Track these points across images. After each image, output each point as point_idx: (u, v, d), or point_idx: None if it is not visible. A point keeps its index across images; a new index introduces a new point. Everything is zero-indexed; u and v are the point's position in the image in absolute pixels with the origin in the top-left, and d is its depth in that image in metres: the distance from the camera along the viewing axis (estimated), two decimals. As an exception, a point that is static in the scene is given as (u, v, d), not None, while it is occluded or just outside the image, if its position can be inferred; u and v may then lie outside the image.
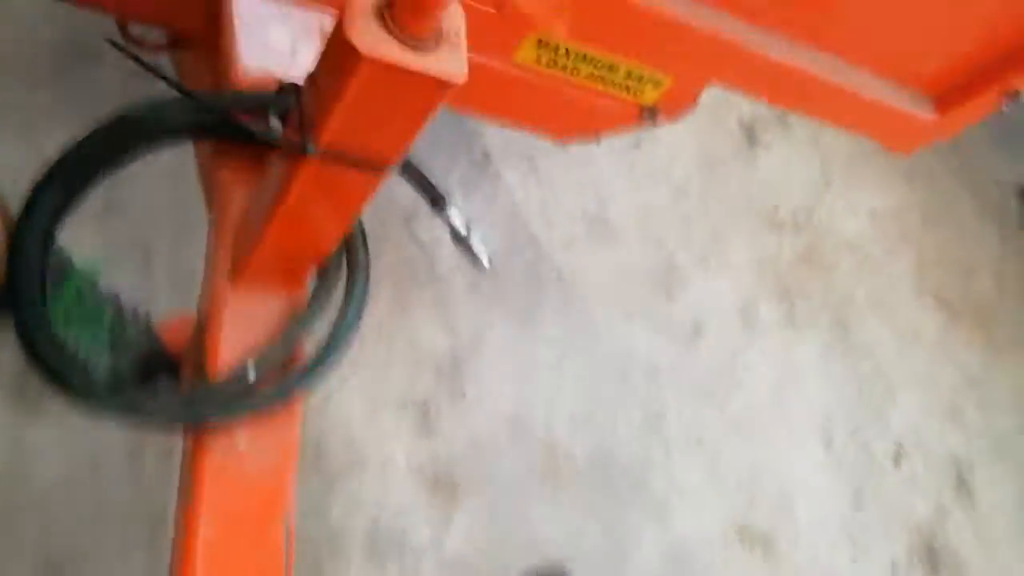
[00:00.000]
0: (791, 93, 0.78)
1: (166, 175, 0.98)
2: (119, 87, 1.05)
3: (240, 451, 0.59)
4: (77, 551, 0.90)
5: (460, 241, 0.76)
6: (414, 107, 0.44)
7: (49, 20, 1.09)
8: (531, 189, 1.36)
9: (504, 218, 1.33)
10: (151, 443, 0.96)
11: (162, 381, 0.89)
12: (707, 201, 1.57)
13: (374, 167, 0.48)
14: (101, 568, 0.91)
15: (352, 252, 0.62)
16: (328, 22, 0.66)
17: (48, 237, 0.54)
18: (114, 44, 0.66)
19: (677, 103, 0.81)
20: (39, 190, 0.53)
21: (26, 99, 1.06)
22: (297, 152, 0.47)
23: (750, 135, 1.70)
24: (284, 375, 0.60)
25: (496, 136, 1.35)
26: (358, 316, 0.61)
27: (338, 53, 0.42)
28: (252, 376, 0.58)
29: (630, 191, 1.48)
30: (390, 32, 0.41)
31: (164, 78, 0.48)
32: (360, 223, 0.62)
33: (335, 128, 0.45)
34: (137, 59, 0.48)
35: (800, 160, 1.74)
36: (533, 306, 1.29)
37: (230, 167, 0.64)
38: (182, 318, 0.95)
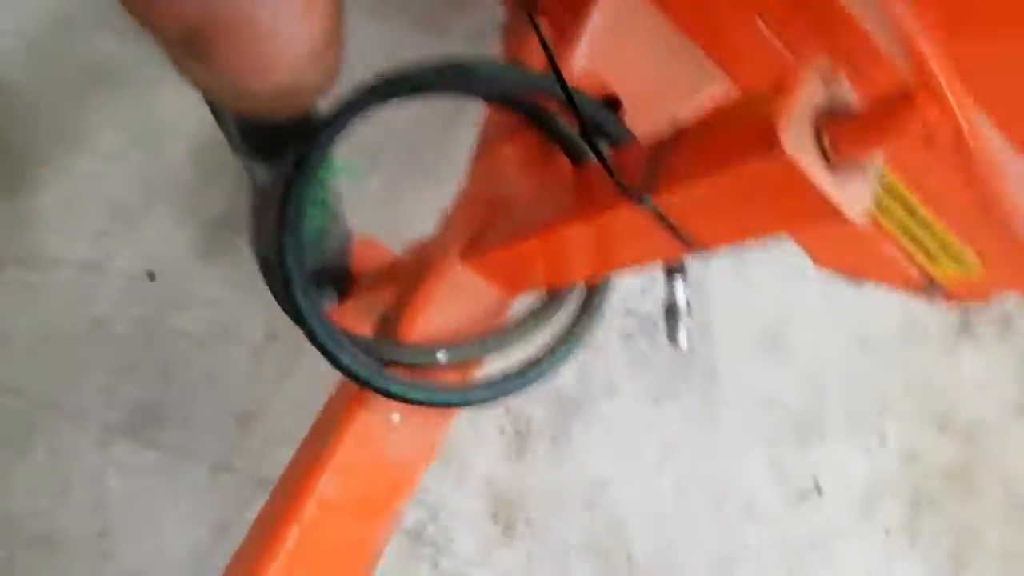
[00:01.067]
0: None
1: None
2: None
3: (392, 424, 0.55)
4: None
5: (672, 314, 0.71)
6: (788, 220, 0.38)
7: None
8: (728, 280, 1.28)
9: (692, 286, 1.25)
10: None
11: (329, 292, 0.89)
12: (889, 368, 1.44)
13: (690, 244, 0.43)
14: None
15: (591, 299, 0.57)
16: (720, 87, 0.62)
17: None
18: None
19: (967, 292, 0.72)
20: (358, 95, 0.51)
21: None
22: (625, 192, 0.42)
23: (965, 321, 1.54)
24: (464, 379, 0.56)
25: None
26: (561, 363, 0.56)
27: (746, 132, 0.36)
28: (441, 359, 0.55)
29: (817, 321, 1.38)
30: (817, 138, 0.35)
31: (538, 33, 0.45)
32: (610, 278, 0.58)
33: (685, 197, 0.40)
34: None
35: (1003, 372, 1.58)
36: (673, 388, 1.22)
37: (518, 147, 0.60)
38: (373, 244, 0.95)
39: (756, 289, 1.32)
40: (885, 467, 1.42)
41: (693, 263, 1.27)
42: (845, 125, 0.34)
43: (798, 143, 0.34)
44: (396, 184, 1.04)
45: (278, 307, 0.78)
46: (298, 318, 0.49)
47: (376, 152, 1.04)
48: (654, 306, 1.20)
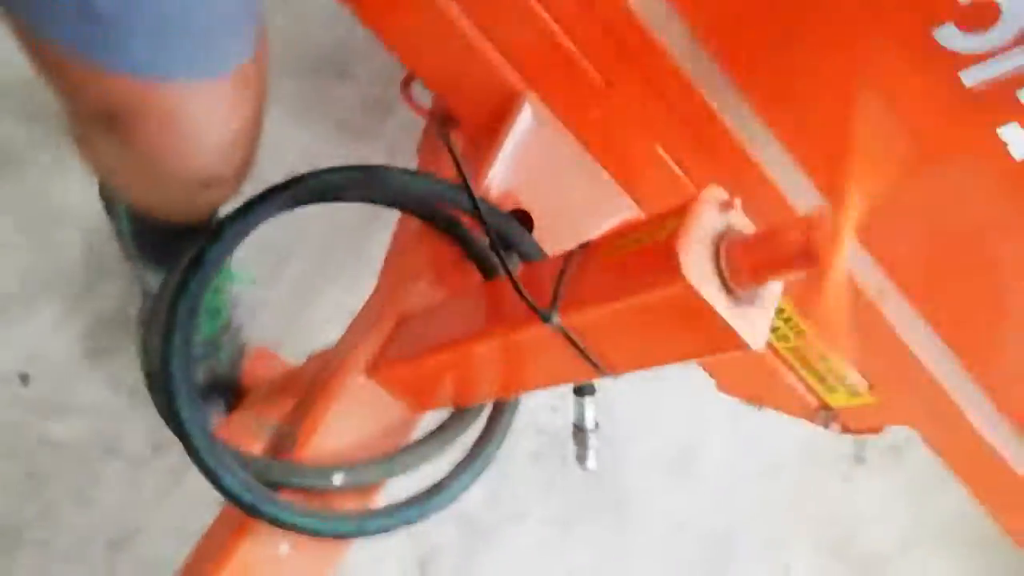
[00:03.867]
0: (984, 482, 0.70)
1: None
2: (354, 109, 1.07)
3: (280, 556, 0.51)
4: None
5: (580, 433, 0.70)
6: (690, 347, 0.38)
7: (327, 25, 1.13)
8: (641, 391, 1.29)
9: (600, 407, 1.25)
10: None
11: (217, 405, 0.84)
12: (795, 495, 1.46)
13: (599, 368, 0.43)
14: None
15: (498, 416, 0.55)
16: (625, 211, 0.64)
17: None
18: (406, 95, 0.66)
19: (862, 423, 0.74)
20: (266, 196, 0.50)
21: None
22: (532, 312, 0.42)
23: (859, 450, 1.59)
24: (362, 507, 0.53)
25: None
26: (466, 486, 0.53)
27: (649, 258, 0.37)
28: (337, 482, 0.51)
29: (727, 443, 1.39)
30: (716, 266, 0.36)
31: (451, 151, 0.46)
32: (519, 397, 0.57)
33: (592, 321, 0.40)
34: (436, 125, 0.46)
35: (898, 501, 1.62)
36: (583, 512, 1.19)
37: (429, 257, 0.60)
38: (266, 354, 0.91)
39: (665, 410, 1.33)
40: (791, 599, 1.41)
41: (602, 382, 1.28)
42: (742, 252, 0.35)
43: (697, 269, 0.35)
44: (304, 291, 1.01)
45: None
46: (178, 430, 0.45)
47: (285, 256, 1.02)
48: (564, 424, 1.18)
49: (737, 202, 0.37)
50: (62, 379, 0.86)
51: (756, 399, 0.78)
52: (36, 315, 0.87)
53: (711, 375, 0.79)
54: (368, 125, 1.12)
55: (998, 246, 0.56)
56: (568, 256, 0.43)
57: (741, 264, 0.35)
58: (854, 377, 0.69)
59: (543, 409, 1.19)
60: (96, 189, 0.78)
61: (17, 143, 0.90)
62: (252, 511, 0.46)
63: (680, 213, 0.37)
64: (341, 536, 0.49)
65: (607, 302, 0.38)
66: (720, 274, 0.36)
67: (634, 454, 1.28)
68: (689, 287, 0.34)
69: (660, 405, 1.33)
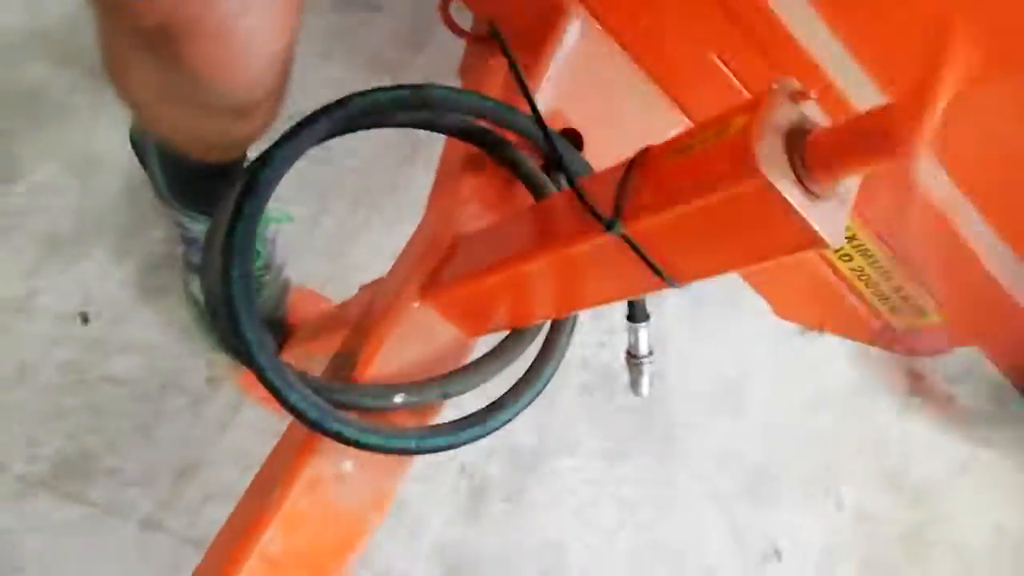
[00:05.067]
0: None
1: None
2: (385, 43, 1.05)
3: (344, 472, 0.51)
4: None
5: (634, 360, 0.69)
6: (764, 248, 0.37)
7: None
8: (689, 326, 1.28)
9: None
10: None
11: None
12: (841, 427, 1.44)
13: (664, 277, 0.41)
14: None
15: (555, 337, 0.55)
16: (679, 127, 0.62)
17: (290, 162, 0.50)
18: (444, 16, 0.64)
19: (927, 345, 0.72)
20: (313, 119, 0.49)
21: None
22: (594, 222, 0.41)
23: (915, 383, 1.56)
24: (422, 424, 0.53)
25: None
26: (524, 405, 0.53)
27: (720, 155, 0.35)
28: (398, 402, 0.51)
29: (774, 376, 1.38)
30: (791, 160, 0.34)
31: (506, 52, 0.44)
32: (576, 315, 0.56)
33: (661, 223, 0.38)
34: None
35: (949, 433, 1.59)
36: (630, 445, 1.20)
37: (477, 181, 0.59)
38: (310, 293, 0.92)
39: (712, 344, 1.31)
40: (841, 530, 1.41)
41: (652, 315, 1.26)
42: (819, 144, 0.33)
43: (773, 162, 0.33)
44: (347, 229, 1.02)
45: (220, 353, 0.74)
46: (244, 350, 0.45)
47: (326, 194, 1.01)
48: (612, 358, 1.18)
49: (812, 93, 0.35)
50: (119, 318, 0.88)
51: (816, 323, 0.76)
52: (90, 256, 0.89)
53: (768, 299, 0.77)
54: (400, 59, 1.10)
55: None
56: (628, 163, 0.42)
57: (818, 156, 0.33)
58: (921, 297, 0.67)
59: (591, 345, 1.19)
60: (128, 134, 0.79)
61: (57, 89, 0.90)
62: (317, 427, 0.46)
63: (751, 107, 0.35)
64: (403, 451, 0.49)
65: (675, 204, 0.37)
66: (796, 168, 0.34)
67: (681, 388, 1.28)
68: (765, 181, 0.33)
69: (707, 342, 1.32)
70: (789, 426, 1.39)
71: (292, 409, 0.46)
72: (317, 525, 0.50)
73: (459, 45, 0.72)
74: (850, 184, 0.36)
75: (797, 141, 0.34)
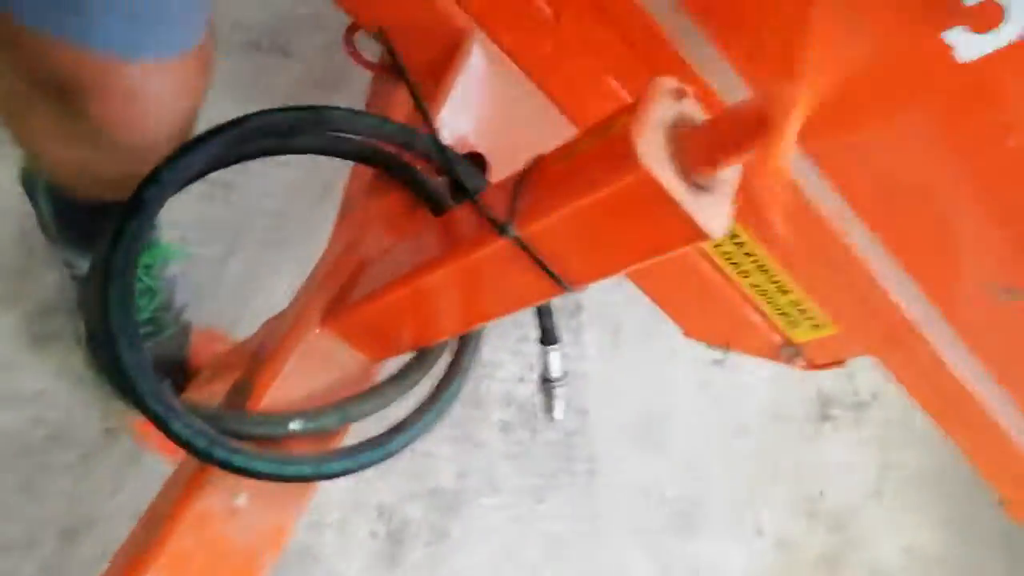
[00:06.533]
0: (950, 414, 0.70)
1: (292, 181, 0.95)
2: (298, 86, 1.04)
3: (237, 507, 0.48)
4: None
5: (547, 384, 0.69)
6: (650, 242, 0.37)
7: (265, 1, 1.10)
8: (609, 361, 1.29)
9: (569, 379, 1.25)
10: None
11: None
12: (762, 454, 1.47)
13: (560, 282, 0.41)
14: None
15: (462, 354, 0.54)
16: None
17: (173, 188, 0.48)
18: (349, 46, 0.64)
19: (825, 355, 0.74)
20: (204, 138, 0.48)
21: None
22: (490, 229, 0.41)
23: (824, 408, 1.62)
24: (320, 451, 0.51)
25: (594, 295, 1.30)
26: (429, 427, 0.52)
27: (603, 153, 0.36)
28: (295, 428, 0.49)
29: (694, 408, 1.40)
30: (672, 154, 0.35)
31: (407, 79, 0.44)
32: (481, 331, 0.55)
33: (551, 224, 0.38)
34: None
35: (862, 457, 1.65)
36: (554, 481, 1.18)
37: (379, 204, 0.58)
38: (213, 334, 0.89)
39: (633, 376, 1.33)
40: (763, 556, 1.42)
41: (571, 348, 1.27)
42: (697, 136, 0.34)
43: (653, 155, 0.34)
44: (257, 270, 0.99)
45: (116, 400, 0.69)
46: (121, 376, 0.43)
47: (236, 235, 0.99)
48: (532, 393, 1.18)
49: (690, 90, 0.36)
50: (5, 366, 0.82)
51: (722, 341, 0.78)
52: (-27, 302, 0.83)
53: (676, 320, 0.78)
54: (314, 102, 1.10)
55: (949, 163, 0.56)
56: (521, 172, 0.42)
57: (697, 148, 0.34)
58: (816, 309, 0.70)
59: (510, 380, 1.18)
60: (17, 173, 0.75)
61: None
62: (204, 456, 0.44)
63: (632, 107, 0.36)
64: (298, 478, 0.47)
65: (564, 204, 0.37)
66: (676, 161, 0.35)
67: (603, 423, 1.28)
68: (647, 174, 0.34)
69: (627, 374, 1.33)
70: (710, 455, 1.41)
71: (175, 437, 0.43)
72: (205, 565, 0.47)
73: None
74: (731, 174, 0.37)
75: (677, 135, 0.35)
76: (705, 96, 0.54)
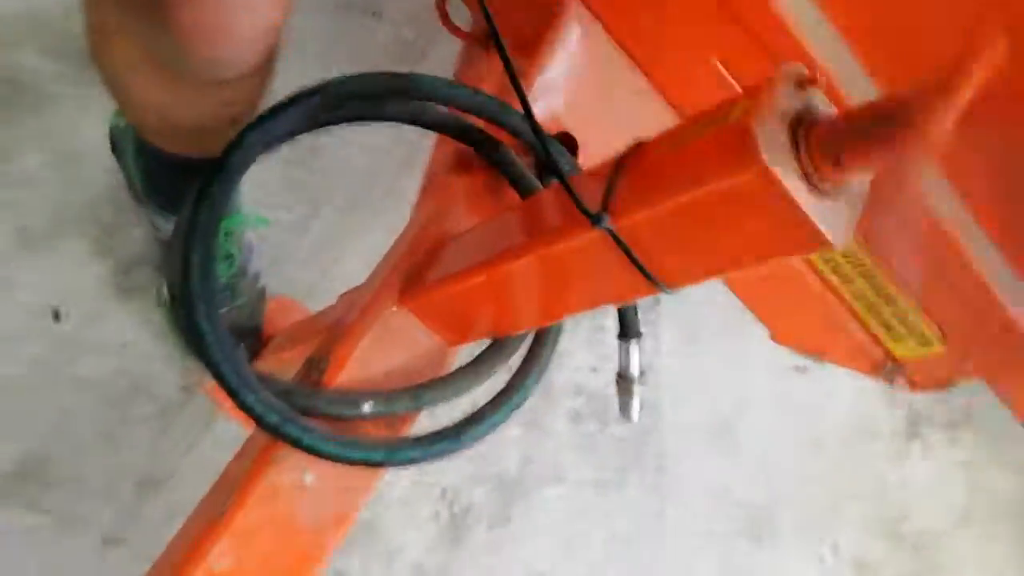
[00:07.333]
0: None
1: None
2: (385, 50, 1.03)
3: (304, 484, 0.48)
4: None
5: (624, 381, 0.66)
6: (760, 248, 0.34)
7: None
8: (685, 358, 1.24)
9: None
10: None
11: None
12: (839, 470, 1.40)
13: (654, 281, 0.38)
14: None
15: (539, 346, 0.51)
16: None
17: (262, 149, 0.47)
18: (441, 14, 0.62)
19: (930, 377, 0.69)
20: (289, 103, 0.46)
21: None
22: (580, 217, 0.38)
23: (913, 426, 1.52)
24: (391, 436, 0.49)
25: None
26: (505, 417, 0.50)
27: (717, 144, 0.32)
28: (367, 410, 0.48)
29: (771, 414, 1.34)
30: (795, 151, 0.31)
31: (500, 49, 0.41)
32: (561, 324, 0.53)
33: (650, 218, 0.35)
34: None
35: (950, 482, 1.55)
36: (621, 476, 1.15)
37: (464, 181, 0.56)
38: (289, 303, 0.89)
39: (708, 376, 1.28)
40: (837, 576, 1.36)
41: (646, 342, 1.23)
42: (826, 133, 0.30)
43: (775, 152, 0.30)
44: (338, 236, 0.99)
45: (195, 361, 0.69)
46: (197, 343, 0.42)
47: (317, 200, 0.99)
48: (605, 385, 1.14)
49: (821, 78, 0.32)
50: (93, 316, 0.85)
51: (816, 349, 0.73)
52: (66, 251, 0.86)
53: (767, 323, 0.73)
54: (399, 68, 1.08)
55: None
56: (620, 156, 0.39)
57: (825, 145, 0.31)
58: (924, 323, 0.64)
59: (584, 369, 1.15)
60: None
61: (43, 77, 0.88)
62: (274, 431, 0.43)
63: (753, 93, 0.32)
64: (368, 463, 0.46)
65: (666, 197, 0.34)
66: (800, 160, 0.31)
67: (674, 420, 1.24)
68: (767, 172, 0.30)
69: (703, 373, 1.28)
70: (786, 464, 1.35)
71: (248, 410, 0.43)
72: (271, 541, 0.46)
73: (462, 54, 0.70)
74: (859, 185, 0.33)
75: (802, 130, 0.31)
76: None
